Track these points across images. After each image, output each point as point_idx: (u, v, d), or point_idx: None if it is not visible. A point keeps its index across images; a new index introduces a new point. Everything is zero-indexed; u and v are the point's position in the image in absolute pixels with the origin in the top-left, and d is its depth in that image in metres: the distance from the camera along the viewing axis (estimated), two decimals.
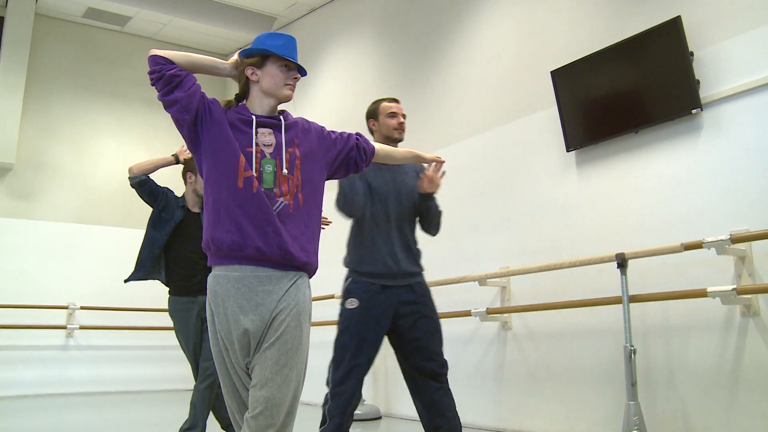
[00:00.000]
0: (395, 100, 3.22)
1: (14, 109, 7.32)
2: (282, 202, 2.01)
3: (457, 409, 2.84)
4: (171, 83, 1.98)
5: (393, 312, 2.88)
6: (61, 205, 7.77)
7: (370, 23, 6.63)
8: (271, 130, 2.08)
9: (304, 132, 2.17)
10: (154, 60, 1.99)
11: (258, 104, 2.11)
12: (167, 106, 2.01)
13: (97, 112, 8.28)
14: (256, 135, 2.04)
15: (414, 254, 3.01)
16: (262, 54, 2.09)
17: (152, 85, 2.01)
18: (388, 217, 2.98)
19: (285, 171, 2.03)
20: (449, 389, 2.87)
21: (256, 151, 2.01)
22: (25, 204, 7.56)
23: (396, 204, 3.00)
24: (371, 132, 3.25)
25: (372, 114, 3.20)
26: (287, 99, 2.14)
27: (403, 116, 3.19)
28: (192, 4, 7.39)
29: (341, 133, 2.28)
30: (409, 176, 3.10)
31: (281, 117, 2.14)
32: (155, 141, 8.49)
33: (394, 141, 3.16)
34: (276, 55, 2.09)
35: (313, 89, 7.31)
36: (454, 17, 5.55)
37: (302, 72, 2.18)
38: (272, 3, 7.47)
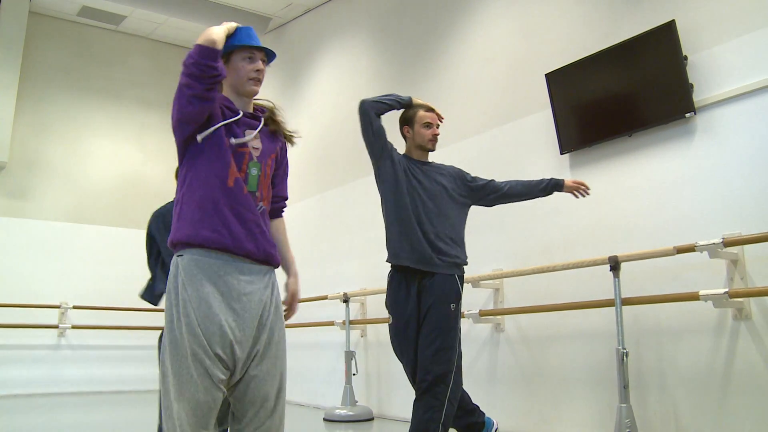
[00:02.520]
0: (432, 109, 3.21)
1: (7, 108, 7.29)
2: (261, 207, 2.03)
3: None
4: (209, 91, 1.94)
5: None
6: (54, 204, 7.75)
7: (366, 24, 6.63)
8: (256, 133, 2.05)
9: (279, 146, 2.16)
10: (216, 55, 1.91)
11: (234, 101, 2.07)
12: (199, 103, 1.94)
13: (90, 111, 8.26)
14: (245, 133, 2.03)
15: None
16: (227, 51, 2.03)
17: (196, 78, 1.89)
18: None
19: (269, 170, 2.05)
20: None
21: (245, 153, 2.00)
22: (17, 203, 7.53)
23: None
24: (405, 139, 3.24)
25: (407, 121, 3.20)
26: (252, 95, 2.09)
27: (438, 126, 3.21)
28: (187, 4, 7.37)
29: (287, 168, 2.26)
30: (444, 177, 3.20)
31: (261, 117, 2.11)
32: (149, 140, 8.48)
33: (426, 150, 3.21)
34: (239, 46, 2.03)
35: (308, 89, 7.31)
36: (449, 19, 5.55)
37: (270, 57, 2.11)
38: (268, 3, 7.47)
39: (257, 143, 2.04)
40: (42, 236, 7.54)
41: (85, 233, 7.82)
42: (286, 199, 2.26)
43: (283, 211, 2.26)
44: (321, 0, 7.29)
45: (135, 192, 8.31)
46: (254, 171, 2.00)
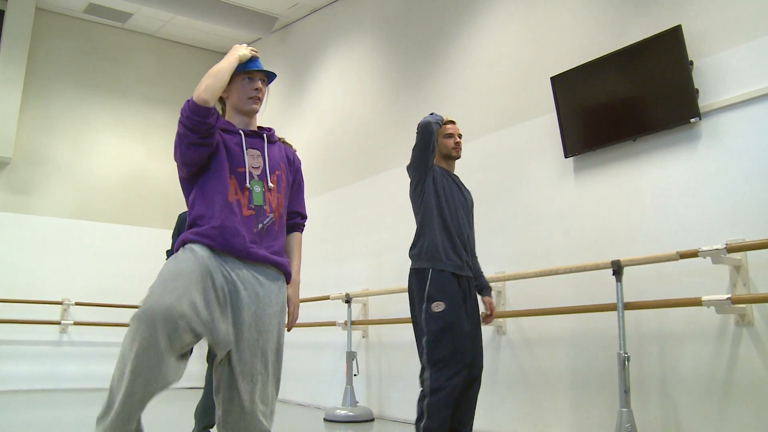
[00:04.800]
0: (452, 122, 3.51)
1: (13, 104, 7.31)
2: (271, 218, 2.09)
3: None
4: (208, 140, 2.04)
5: None
6: (58, 201, 7.77)
7: (371, 25, 6.63)
8: (258, 151, 2.14)
9: (288, 162, 2.25)
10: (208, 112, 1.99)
11: (234, 121, 2.17)
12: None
13: (96, 109, 8.28)
14: (245, 155, 2.10)
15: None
16: None
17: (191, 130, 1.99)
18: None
19: (271, 184, 2.11)
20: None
21: (244, 174, 2.08)
22: (21, 198, 7.55)
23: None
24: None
25: None
26: (253, 113, 2.18)
27: (460, 136, 3.51)
28: (193, 2, 7.38)
29: (301, 185, 2.34)
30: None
31: (264, 135, 2.19)
32: (153, 138, 8.49)
33: (452, 159, 3.52)
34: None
35: (312, 90, 7.31)
36: (455, 21, 5.56)
37: (270, 77, 2.22)
38: (274, 3, 7.47)
39: (257, 162, 2.12)
40: (45, 232, 7.56)
41: (88, 230, 7.83)
42: (303, 216, 2.33)
43: (300, 228, 2.32)
44: (327, 0, 7.30)
45: (139, 189, 8.33)
46: (257, 188, 2.09)
